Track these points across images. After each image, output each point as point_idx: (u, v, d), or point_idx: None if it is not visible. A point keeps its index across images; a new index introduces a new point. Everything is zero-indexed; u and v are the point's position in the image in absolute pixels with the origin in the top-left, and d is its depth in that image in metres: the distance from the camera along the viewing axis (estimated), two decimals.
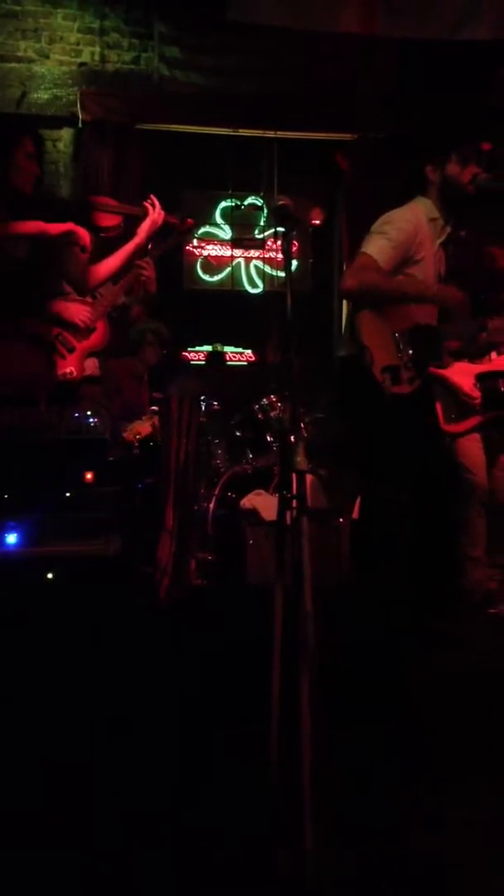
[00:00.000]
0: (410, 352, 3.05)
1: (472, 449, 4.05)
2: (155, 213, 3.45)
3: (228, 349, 7.43)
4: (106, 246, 3.67)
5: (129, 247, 3.47)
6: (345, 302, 6.70)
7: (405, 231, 2.99)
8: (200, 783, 2.23)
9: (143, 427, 4.29)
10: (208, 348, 7.42)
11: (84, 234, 3.19)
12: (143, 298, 4.32)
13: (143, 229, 3.46)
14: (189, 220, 3.74)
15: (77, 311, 3.58)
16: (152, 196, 3.50)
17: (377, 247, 2.97)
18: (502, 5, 5.88)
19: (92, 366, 3.80)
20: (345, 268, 6.36)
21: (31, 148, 3.21)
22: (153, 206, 3.45)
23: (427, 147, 3.20)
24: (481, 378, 4.02)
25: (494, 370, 4.03)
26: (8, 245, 3.08)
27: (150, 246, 3.76)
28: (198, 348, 7.40)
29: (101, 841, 1.97)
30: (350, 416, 3.24)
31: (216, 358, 6.91)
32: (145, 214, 3.46)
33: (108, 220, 3.46)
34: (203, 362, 7.33)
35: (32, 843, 1.95)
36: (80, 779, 2.23)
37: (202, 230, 7.19)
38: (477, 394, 3.99)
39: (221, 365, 6.88)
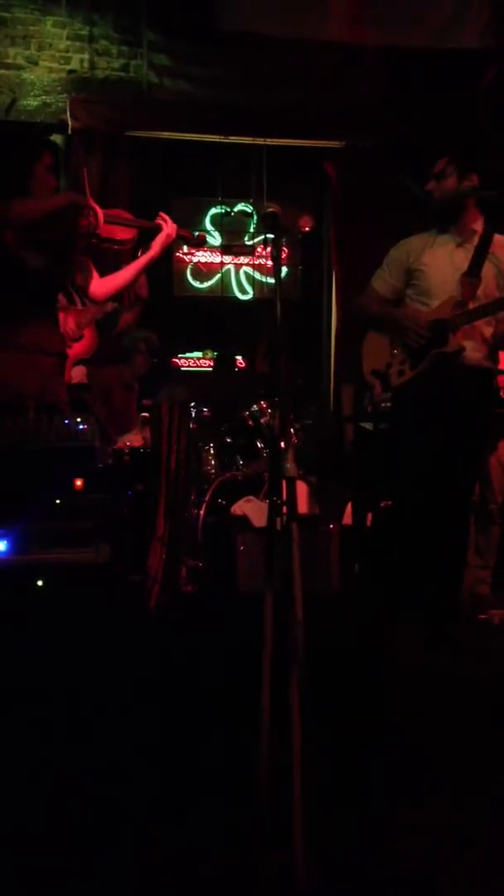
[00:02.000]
0: (406, 350, 3.33)
1: None
2: (168, 228, 3.45)
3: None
4: (117, 260, 3.64)
5: (144, 260, 3.45)
6: (334, 308, 6.75)
7: (394, 254, 3.51)
8: (190, 790, 2.22)
9: (133, 439, 4.29)
10: (198, 354, 7.42)
11: (99, 211, 3.22)
12: (135, 304, 4.31)
13: (158, 243, 3.44)
14: (201, 234, 3.75)
15: (62, 320, 3.56)
16: (162, 213, 3.51)
17: (375, 275, 3.54)
18: (488, 14, 5.93)
19: (79, 374, 3.80)
20: (341, 264, 6.41)
21: (50, 160, 3.23)
22: (165, 221, 3.46)
23: (413, 156, 3.32)
24: None
25: None
26: (24, 254, 3.07)
27: (140, 251, 3.76)
28: (188, 354, 7.41)
29: (89, 849, 1.96)
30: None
31: (226, 361, 6.79)
32: (159, 229, 3.46)
33: (124, 234, 3.44)
34: (195, 367, 7.33)
35: (19, 852, 1.95)
36: (68, 786, 2.22)
37: None
38: None
39: (232, 370, 6.79)
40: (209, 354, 7.33)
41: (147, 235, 3.45)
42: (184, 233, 3.54)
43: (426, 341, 3.30)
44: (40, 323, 3.17)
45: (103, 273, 3.47)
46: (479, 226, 3.41)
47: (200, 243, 3.79)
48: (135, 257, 3.43)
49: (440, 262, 3.39)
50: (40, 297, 3.20)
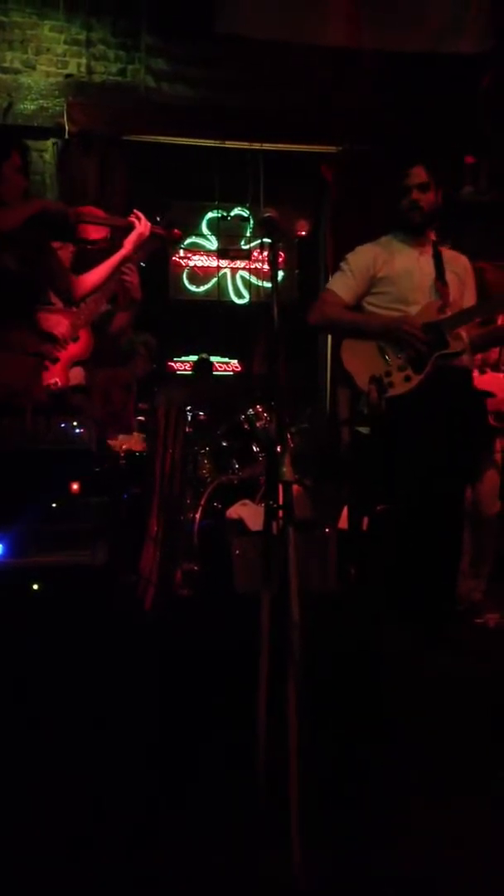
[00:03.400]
0: (402, 354, 3.29)
1: None
2: (141, 226, 3.48)
3: (215, 359, 7.45)
4: (93, 258, 3.68)
5: (116, 258, 3.50)
6: None
7: (358, 260, 3.41)
8: (187, 791, 2.23)
9: (130, 441, 4.28)
10: (194, 358, 7.43)
11: (71, 213, 3.26)
12: (128, 306, 4.32)
13: (130, 241, 3.49)
14: (176, 230, 3.76)
15: (56, 322, 3.57)
16: (136, 210, 3.54)
17: (334, 280, 3.44)
18: (486, 18, 5.96)
19: (78, 375, 3.79)
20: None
21: (18, 161, 3.24)
22: (139, 218, 3.49)
23: (408, 159, 3.35)
24: None
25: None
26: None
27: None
28: (184, 358, 7.42)
29: (84, 850, 1.96)
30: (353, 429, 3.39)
31: (204, 366, 6.87)
32: (132, 227, 3.49)
33: (96, 233, 3.49)
34: (190, 372, 7.34)
35: (18, 852, 1.95)
36: (63, 786, 2.22)
37: (189, 241, 7.21)
38: None
39: (209, 374, 6.86)
40: (205, 357, 7.35)
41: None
42: (158, 230, 3.58)
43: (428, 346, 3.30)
44: (19, 324, 3.21)
45: (78, 270, 3.51)
46: (433, 235, 3.49)
47: (176, 241, 3.81)
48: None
49: (409, 269, 3.41)
50: (17, 299, 3.23)
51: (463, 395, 3.32)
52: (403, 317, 3.33)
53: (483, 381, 4.09)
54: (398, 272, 3.38)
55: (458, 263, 3.51)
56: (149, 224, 3.48)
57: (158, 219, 3.63)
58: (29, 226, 3.14)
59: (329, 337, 6.75)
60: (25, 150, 3.35)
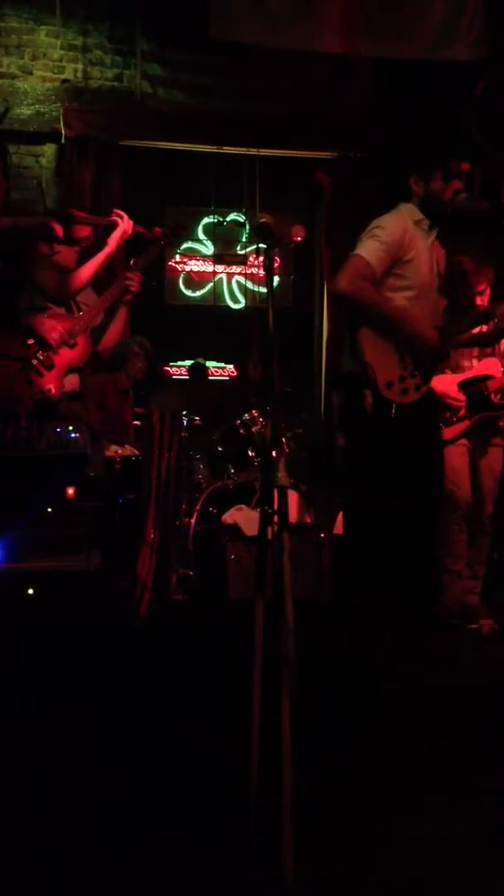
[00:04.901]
0: (414, 360, 3.13)
1: (456, 460, 4.07)
2: (124, 224, 3.56)
3: (210, 364, 7.44)
4: (79, 257, 3.72)
5: (101, 256, 3.57)
6: (325, 317, 6.76)
7: (394, 233, 3.10)
8: (179, 799, 2.22)
9: (124, 452, 4.28)
10: (189, 362, 7.43)
11: (57, 227, 3.27)
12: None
13: (114, 239, 3.57)
14: (157, 228, 3.79)
15: (50, 327, 3.55)
16: (117, 210, 3.61)
17: (369, 249, 3.07)
18: (479, 26, 5.97)
19: (72, 382, 3.78)
20: (334, 274, 6.36)
21: None
22: (121, 217, 3.56)
23: (405, 165, 3.30)
24: (463, 385, 4.07)
25: (475, 376, 4.08)
26: None
27: (132, 261, 3.79)
28: (179, 363, 7.41)
29: (77, 860, 1.96)
30: (347, 431, 3.29)
31: (198, 371, 6.85)
32: (115, 225, 3.56)
33: (79, 232, 3.55)
34: (185, 376, 7.33)
35: (19, 853, 1.95)
36: (54, 792, 2.22)
37: (185, 246, 7.22)
38: (462, 397, 4.05)
39: (204, 379, 6.85)
40: (201, 361, 7.34)
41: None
42: (140, 229, 3.64)
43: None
44: (3, 330, 3.23)
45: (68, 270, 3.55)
46: None
47: (158, 239, 3.83)
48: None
49: (426, 259, 3.17)
50: (1, 304, 3.25)
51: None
52: (434, 340, 3.16)
53: (482, 366, 4.12)
54: (418, 260, 3.13)
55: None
56: (131, 222, 3.56)
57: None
58: (8, 235, 3.16)
59: (324, 342, 6.76)
60: (4, 152, 3.38)
